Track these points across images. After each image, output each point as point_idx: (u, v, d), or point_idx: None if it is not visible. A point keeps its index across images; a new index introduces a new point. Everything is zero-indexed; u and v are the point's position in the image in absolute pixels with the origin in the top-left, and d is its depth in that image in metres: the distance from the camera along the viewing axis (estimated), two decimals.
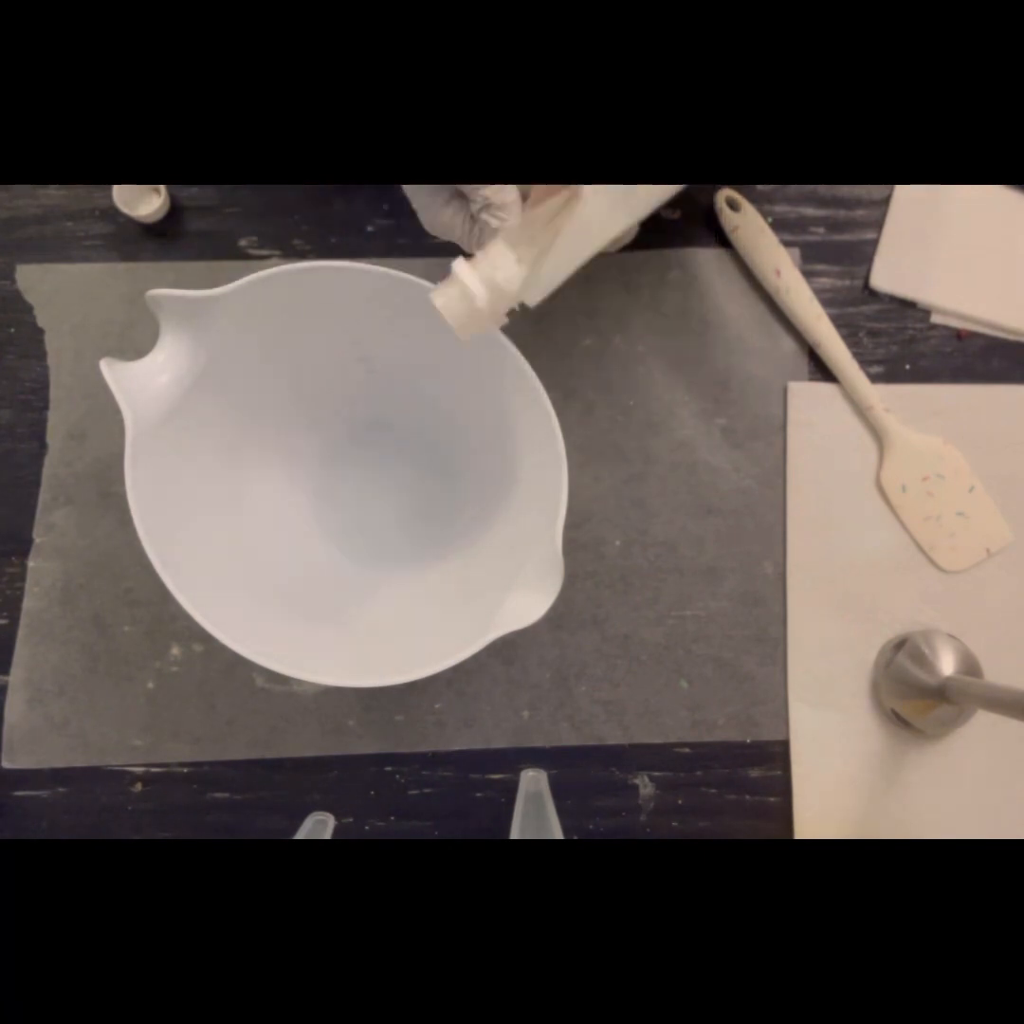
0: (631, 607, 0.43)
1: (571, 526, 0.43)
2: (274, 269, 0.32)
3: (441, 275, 0.30)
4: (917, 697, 0.41)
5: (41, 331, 0.44)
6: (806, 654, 0.43)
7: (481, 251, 0.30)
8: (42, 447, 0.43)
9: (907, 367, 0.46)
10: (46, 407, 0.43)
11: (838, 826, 0.42)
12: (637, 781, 0.42)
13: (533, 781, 0.41)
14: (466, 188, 0.29)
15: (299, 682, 0.42)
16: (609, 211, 0.35)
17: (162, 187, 0.43)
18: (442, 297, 0.29)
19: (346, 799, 0.42)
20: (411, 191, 0.33)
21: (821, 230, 0.47)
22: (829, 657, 0.43)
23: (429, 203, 0.32)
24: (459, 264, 0.29)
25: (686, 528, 0.44)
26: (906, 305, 0.46)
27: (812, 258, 0.46)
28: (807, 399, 0.45)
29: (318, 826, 0.39)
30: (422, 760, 0.42)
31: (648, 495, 0.44)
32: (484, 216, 0.30)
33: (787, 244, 0.45)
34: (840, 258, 0.46)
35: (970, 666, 0.42)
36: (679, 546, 0.44)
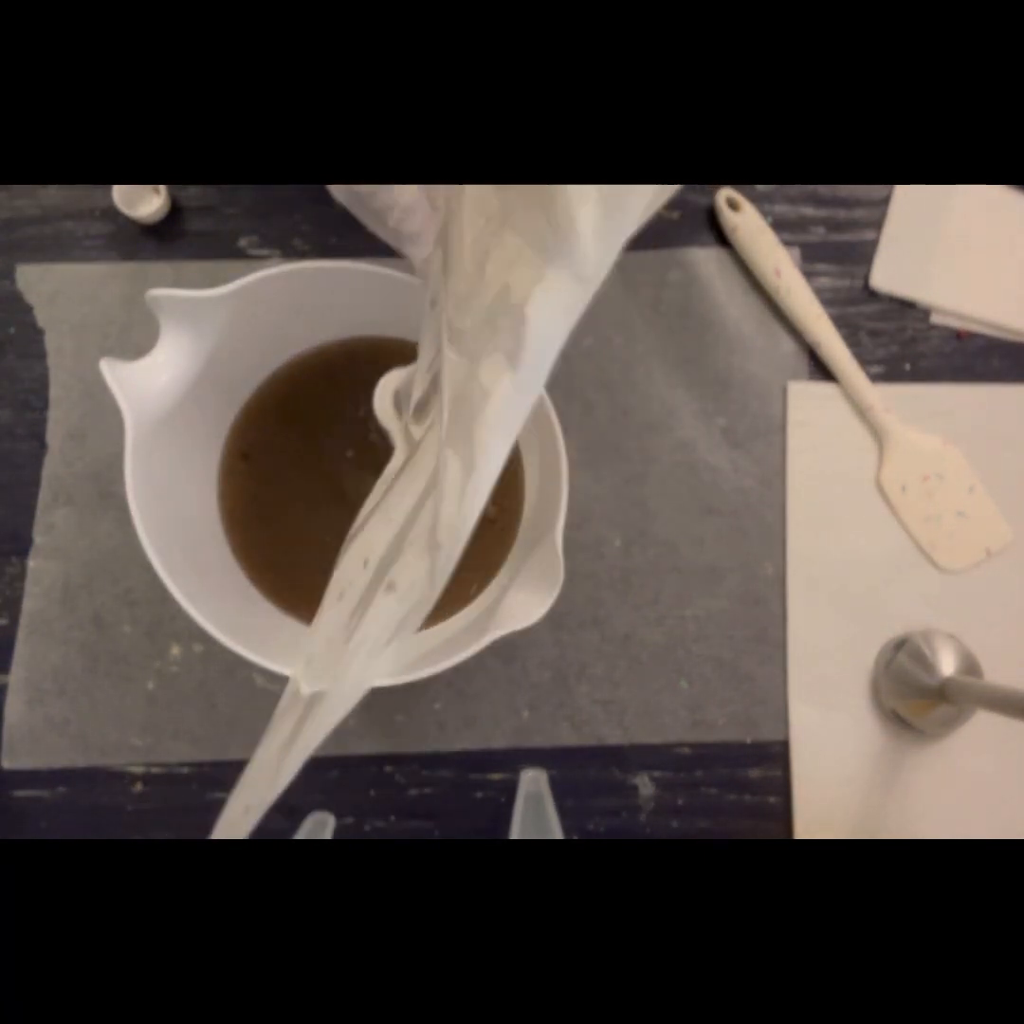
0: (631, 607, 0.43)
1: (571, 526, 0.43)
2: (274, 269, 0.32)
3: None
4: (917, 697, 0.41)
5: (41, 331, 0.44)
6: (806, 654, 0.43)
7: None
8: (42, 447, 0.43)
9: (907, 367, 0.46)
10: (46, 407, 0.43)
11: (838, 826, 0.42)
12: (637, 781, 0.42)
13: (533, 781, 0.41)
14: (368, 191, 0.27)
15: None
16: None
17: (162, 187, 0.43)
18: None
19: (346, 799, 0.42)
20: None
21: (821, 230, 0.47)
22: (829, 657, 0.43)
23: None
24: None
25: (686, 528, 0.44)
26: (906, 305, 0.46)
27: (812, 258, 0.46)
28: (807, 399, 0.45)
29: (318, 826, 0.39)
30: (422, 760, 0.42)
31: (648, 495, 0.44)
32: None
33: (787, 244, 0.45)
34: (840, 258, 0.46)
35: (970, 666, 0.42)
36: (679, 546, 0.44)
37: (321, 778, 0.42)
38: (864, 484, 0.45)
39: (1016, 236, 0.47)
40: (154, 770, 0.41)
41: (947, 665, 0.41)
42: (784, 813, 0.42)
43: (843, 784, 0.43)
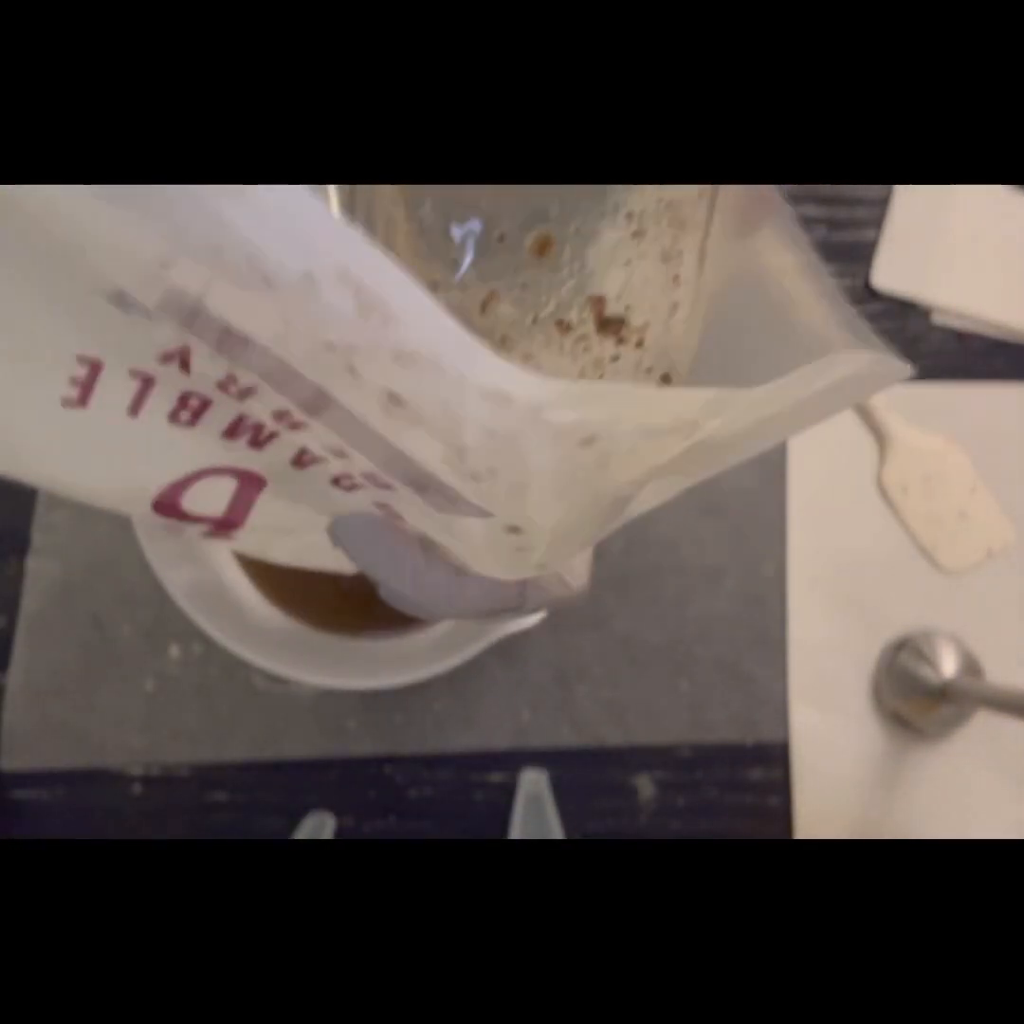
0: (631, 607, 0.43)
1: None
2: None
3: None
4: (918, 697, 0.41)
5: None
6: (807, 654, 0.43)
7: None
8: None
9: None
10: None
11: (838, 827, 0.42)
12: (637, 782, 0.42)
13: (533, 783, 0.41)
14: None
15: (298, 683, 0.42)
16: None
17: None
18: None
19: (346, 799, 0.41)
20: None
21: (821, 230, 0.47)
22: (830, 657, 0.43)
23: None
24: None
25: (686, 528, 0.44)
26: (907, 305, 0.46)
27: None
28: None
29: (318, 826, 0.39)
30: (422, 760, 0.42)
31: None
32: None
33: None
34: (841, 257, 0.46)
35: (971, 666, 0.42)
36: (680, 546, 0.44)
37: (321, 778, 0.42)
38: (865, 484, 0.45)
39: (1016, 236, 0.47)
40: (153, 771, 0.41)
41: (948, 666, 0.41)
42: (785, 814, 0.42)
43: (844, 785, 0.42)
